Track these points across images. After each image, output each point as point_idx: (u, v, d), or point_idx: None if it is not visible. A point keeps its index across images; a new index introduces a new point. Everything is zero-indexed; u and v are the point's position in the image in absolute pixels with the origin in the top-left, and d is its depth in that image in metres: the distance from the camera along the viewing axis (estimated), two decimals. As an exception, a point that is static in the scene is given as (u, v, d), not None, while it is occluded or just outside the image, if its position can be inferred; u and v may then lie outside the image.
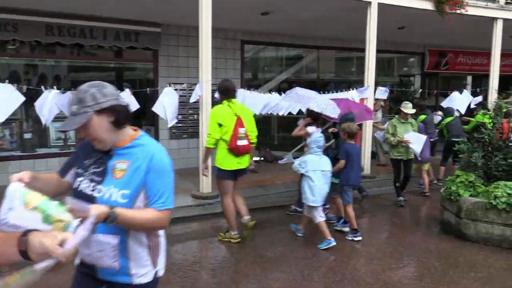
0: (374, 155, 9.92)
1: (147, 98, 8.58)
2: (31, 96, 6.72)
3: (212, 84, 7.05)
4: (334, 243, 5.45)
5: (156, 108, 7.30)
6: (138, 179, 1.88)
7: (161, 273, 2.12)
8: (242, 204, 5.67)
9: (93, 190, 1.91)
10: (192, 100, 7.18)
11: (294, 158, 6.62)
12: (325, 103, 6.66)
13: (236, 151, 5.21)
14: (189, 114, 9.49)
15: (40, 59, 8.93)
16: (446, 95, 10.62)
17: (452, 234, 5.91)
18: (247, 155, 5.38)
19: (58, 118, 6.66)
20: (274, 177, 8.85)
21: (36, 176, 1.77)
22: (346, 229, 6.02)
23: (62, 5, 7.51)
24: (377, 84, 9.30)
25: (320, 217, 5.50)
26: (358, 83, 10.73)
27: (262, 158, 10.39)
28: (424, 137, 7.25)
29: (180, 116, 8.94)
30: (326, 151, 6.05)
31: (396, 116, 7.57)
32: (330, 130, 6.84)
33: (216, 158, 5.36)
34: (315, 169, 5.43)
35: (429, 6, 8.81)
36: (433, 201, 7.53)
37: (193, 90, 7.24)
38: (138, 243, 1.96)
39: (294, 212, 6.78)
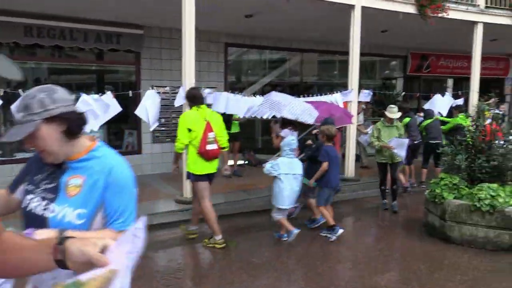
0: (357, 158, 9.94)
1: (129, 101, 8.43)
2: (8, 99, 6.52)
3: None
4: (285, 239, 5.68)
5: (139, 112, 7.17)
6: (95, 196, 1.66)
7: None
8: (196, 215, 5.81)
9: (45, 210, 1.67)
10: (177, 104, 7.08)
11: None
12: (301, 108, 6.62)
13: (205, 156, 5.29)
14: (172, 117, 9.36)
15: (19, 61, 8.70)
16: (428, 98, 10.72)
17: (437, 236, 5.93)
18: (217, 159, 5.49)
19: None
20: (257, 181, 8.76)
21: None
22: (340, 232, 5.94)
23: (42, 6, 7.33)
24: (360, 87, 9.33)
25: (277, 215, 5.67)
26: (341, 86, 10.77)
27: (246, 162, 10.31)
28: (406, 141, 7.22)
29: (163, 120, 8.84)
30: (302, 150, 6.14)
31: (382, 119, 7.54)
32: (314, 131, 6.83)
33: (187, 163, 5.46)
34: (287, 173, 5.55)
35: (411, 9, 8.88)
36: (417, 203, 7.56)
37: (176, 93, 7.14)
38: None
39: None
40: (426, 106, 10.24)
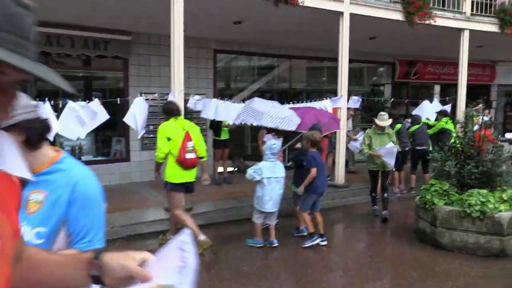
0: (346, 163, 9.93)
1: (117, 108, 8.33)
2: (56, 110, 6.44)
3: (184, 94, 6.90)
4: (261, 245, 5.70)
5: (127, 119, 7.08)
6: (58, 213, 1.52)
7: None
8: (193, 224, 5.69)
9: None
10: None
11: None
12: (281, 116, 6.61)
13: (184, 164, 5.34)
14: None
15: (3, 67, 8.56)
16: (416, 104, 10.80)
17: (427, 242, 5.92)
18: (195, 168, 5.53)
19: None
20: (247, 188, 8.67)
21: None
22: (319, 241, 5.90)
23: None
24: (349, 93, 9.36)
25: (258, 219, 5.70)
26: (330, 92, 10.79)
27: (236, 169, 10.25)
28: (395, 149, 7.10)
29: (151, 127, 8.73)
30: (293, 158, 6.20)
31: (373, 126, 7.40)
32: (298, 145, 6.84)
33: (165, 171, 5.48)
34: (269, 176, 5.60)
35: (399, 16, 8.96)
36: (407, 209, 7.56)
37: (165, 100, 7.06)
38: None
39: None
40: (415, 112, 10.30)
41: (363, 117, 11.96)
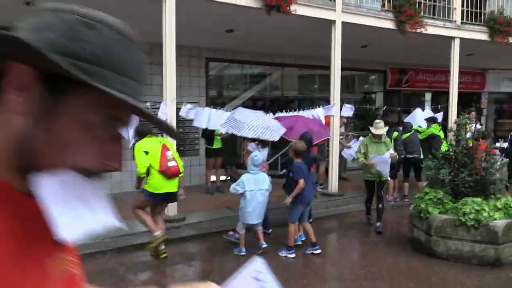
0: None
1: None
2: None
3: (176, 103, 6.84)
4: (244, 253, 5.68)
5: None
6: None
7: None
8: (162, 223, 5.72)
9: None
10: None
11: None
12: (263, 126, 6.53)
13: (168, 172, 5.33)
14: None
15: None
16: (408, 112, 10.82)
17: (422, 251, 5.88)
18: (177, 178, 5.50)
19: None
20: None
21: None
22: (318, 251, 5.84)
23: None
24: (341, 101, 9.35)
25: (242, 229, 5.76)
26: (322, 100, 10.79)
27: (229, 178, 10.16)
28: (387, 158, 6.92)
29: (143, 136, 8.63)
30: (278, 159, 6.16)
31: (369, 135, 7.23)
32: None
33: (147, 182, 5.45)
34: (252, 189, 5.59)
35: (391, 25, 9.00)
36: (401, 218, 7.53)
37: (157, 108, 6.99)
38: None
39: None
40: (406, 119, 10.32)
41: (356, 125, 11.96)
